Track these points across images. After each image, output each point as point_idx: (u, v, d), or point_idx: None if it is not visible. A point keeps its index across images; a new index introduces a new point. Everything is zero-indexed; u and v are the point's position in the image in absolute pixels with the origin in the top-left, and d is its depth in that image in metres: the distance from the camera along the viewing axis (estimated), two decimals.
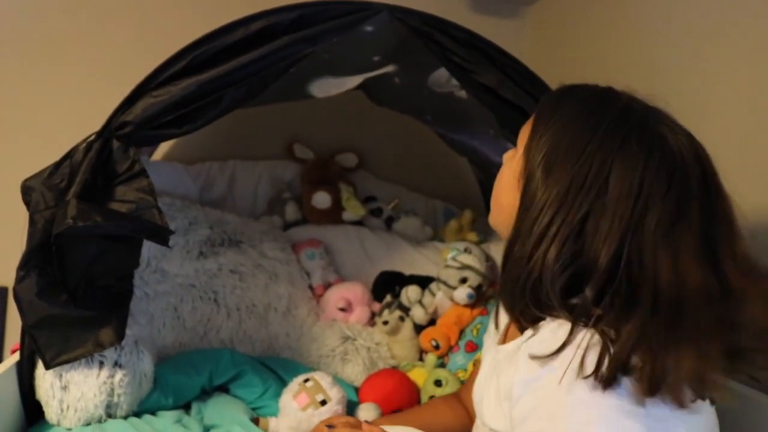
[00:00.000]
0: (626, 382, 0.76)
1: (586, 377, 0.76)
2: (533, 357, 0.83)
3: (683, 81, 1.47)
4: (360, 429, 1.02)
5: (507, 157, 1.03)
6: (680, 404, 0.76)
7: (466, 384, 1.38)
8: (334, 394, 1.39)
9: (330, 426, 1.03)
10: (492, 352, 1.08)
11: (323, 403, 1.37)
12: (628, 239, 0.83)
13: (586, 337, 0.80)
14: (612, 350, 0.77)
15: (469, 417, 1.31)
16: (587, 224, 0.84)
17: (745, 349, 0.81)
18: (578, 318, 0.82)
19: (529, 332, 0.90)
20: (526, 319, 0.90)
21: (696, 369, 0.76)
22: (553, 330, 0.85)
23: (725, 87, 1.36)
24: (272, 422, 1.41)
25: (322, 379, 1.42)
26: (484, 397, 1.02)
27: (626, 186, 0.84)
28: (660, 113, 0.93)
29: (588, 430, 0.75)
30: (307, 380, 1.41)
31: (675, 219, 0.83)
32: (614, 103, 0.92)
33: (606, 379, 0.76)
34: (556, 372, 0.79)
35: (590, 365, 0.77)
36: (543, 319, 0.88)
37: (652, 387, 0.75)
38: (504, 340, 1.09)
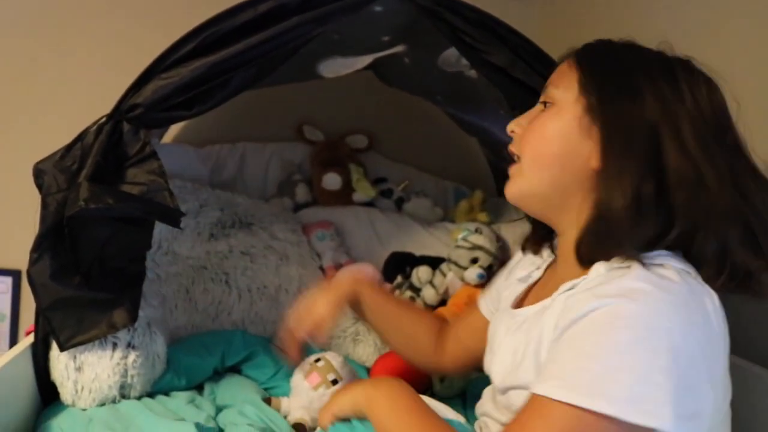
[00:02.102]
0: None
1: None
2: (593, 292, 0.82)
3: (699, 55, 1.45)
4: None
5: (535, 111, 1.01)
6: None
7: (463, 316, 1.36)
8: (345, 373, 1.40)
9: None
10: (505, 317, 1.06)
11: (335, 382, 1.38)
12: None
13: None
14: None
15: (447, 354, 1.31)
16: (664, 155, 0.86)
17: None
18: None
19: (566, 285, 0.90)
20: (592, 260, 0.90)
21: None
22: (609, 268, 0.86)
23: (743, 57, 1.35)
24: (284, 402, 1.42)
25: (333, 358, 1.42)
26: (496, 356, 1.02)
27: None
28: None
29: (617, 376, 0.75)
30: (318, 360, 1.42)
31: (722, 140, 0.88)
32: (655, 52, 0.98)
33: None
34: (621, 299, 0.79)
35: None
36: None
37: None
38: (520, 304, 1.08)
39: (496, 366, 1.02)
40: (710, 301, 0.82)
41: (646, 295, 0.78)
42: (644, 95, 0.88)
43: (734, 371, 0.89)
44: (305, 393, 1.37)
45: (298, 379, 1.41)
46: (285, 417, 1.37)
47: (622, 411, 0.73)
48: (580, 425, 0.75)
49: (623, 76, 0.92)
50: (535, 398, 0.80)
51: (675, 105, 0.87)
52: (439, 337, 1.33)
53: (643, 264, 0.82)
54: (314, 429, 1.33)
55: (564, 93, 0.96)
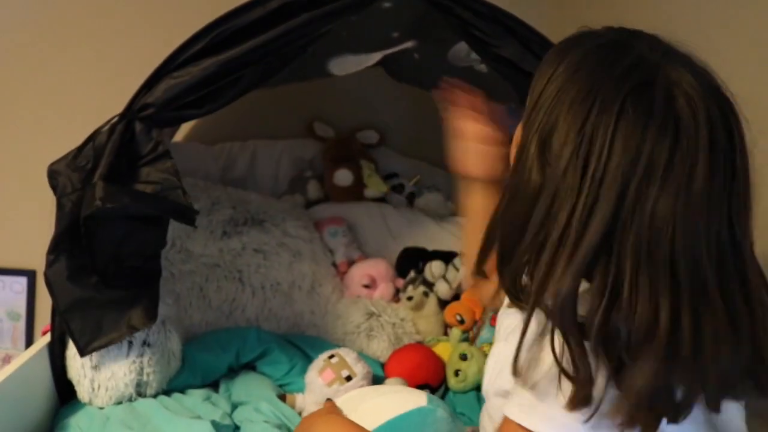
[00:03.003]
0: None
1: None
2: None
3: (708, 51, 1.44)
4: None
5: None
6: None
7: None
8: (359, 369, 1.40)
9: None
10: (502, 317, 1.00)
11: (348, 378, 1.38)
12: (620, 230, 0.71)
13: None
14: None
15: None
16: (592, 213, 0.71)
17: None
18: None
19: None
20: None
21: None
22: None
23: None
24: (299, 398, 1.42)
25: (347, 355, 1.42)
26: (489, 363, 0.96)
27: (625, 165, 0.70)
28: (679, 63, 0.78)
29: None
30: (332, 356, 1.42)
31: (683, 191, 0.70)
32: (619, 60, 0.77)
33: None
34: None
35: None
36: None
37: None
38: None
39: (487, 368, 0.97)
40: None
41: None
42: (566, 166, 0.73)
43: None
44: (319, 390, 1.38)
45: (312, 375, 1.41)
46: (300, 413, 1.38)
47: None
48: None
49: (560, 125, 0.76)
50: (504, 420, 0.80)
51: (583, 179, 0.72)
52: None
53: None
54: None
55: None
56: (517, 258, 0.78)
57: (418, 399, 1.13)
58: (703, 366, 0.70)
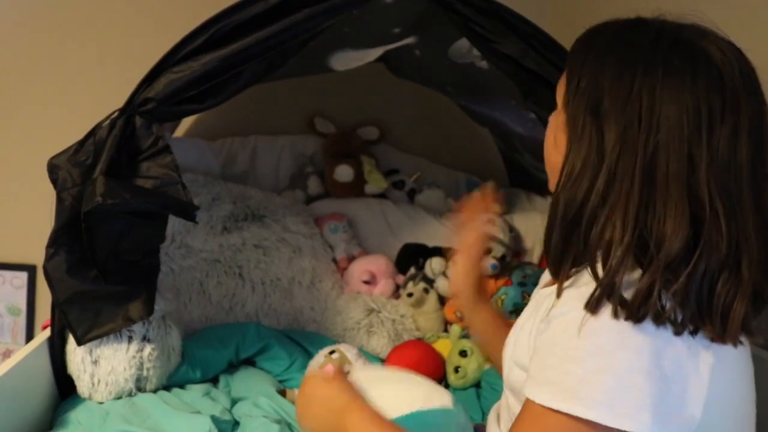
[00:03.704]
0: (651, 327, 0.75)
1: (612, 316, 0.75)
2: (568, 293, 0.82)
3: None
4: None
5: (550, 118, 0.96)
6: (729, 341, 0.77)
7: None
8: (360, 365, 1.40)
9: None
10: (535, 296, 1.05)
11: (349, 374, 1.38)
12: (691, 176, 0.77)
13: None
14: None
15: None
16: (653, 167, 0.78)
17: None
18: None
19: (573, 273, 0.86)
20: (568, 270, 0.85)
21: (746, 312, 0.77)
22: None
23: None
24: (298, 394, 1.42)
25: (348, 351, 1.42)
26: (519, 336, 0.97)
27: (679, 117, 0.77)
28: (696, 28, 0.85)
29: (597, 378, 0.74)
30: (332, 352, 1.42)
31: (734, 144, 0.78)
32: (646, 30, 0.85)
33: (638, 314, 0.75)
34: (579, 311, 0.77)
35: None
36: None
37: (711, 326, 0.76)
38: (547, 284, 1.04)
39: (518, 348, 0.97)
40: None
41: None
42: (608, 126, 0.81)
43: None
44: None
45: (312, 371, 1.41)
46: None
47: (600, 415, 0.73)
48: (562, 429, 0.76)
49: (608, 90, 0.82)
50: (526, 402, 0.81)
51: (639, 135, 0.79)
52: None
53: None
54: None
55: (558, 99, 0.92)
56: (584, 227, 0.81)
57: (443, 397, 1.10)
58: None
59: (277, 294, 1.72)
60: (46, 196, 1.27)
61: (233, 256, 1.72)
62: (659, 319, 0.74)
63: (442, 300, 1.80)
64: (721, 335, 0.76)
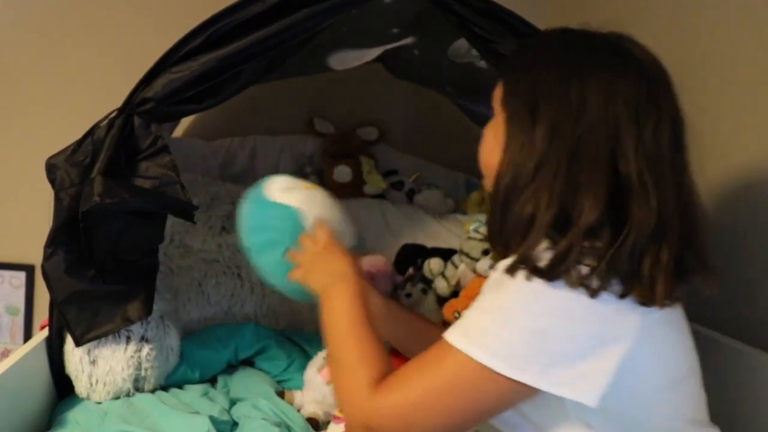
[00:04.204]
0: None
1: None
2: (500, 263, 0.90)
3: (713, 46, 1.44)
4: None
5: (486, 129, 1.03)
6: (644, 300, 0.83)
7: None
8: None
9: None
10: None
11: None
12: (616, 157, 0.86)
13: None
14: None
15: None
16: (580, 151, 0.86)
17: (691, 269, 0.89)
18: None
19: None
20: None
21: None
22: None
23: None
24: (297, 395, 1.42)
25: None
26: None
27: (605, 107, 0.87)
28: (618, 33, 0.95)
29: (500, 330, 0.83)
30: None
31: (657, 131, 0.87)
32: (574, 36, 0.96)
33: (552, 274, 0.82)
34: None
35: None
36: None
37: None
38: None
39: None
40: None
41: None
42: (541, 117, 0.90)
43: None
44: (318, 388, 1.38)
45: (311, 373, 1.41)
46: (298, 410, 1.38)
47: (496, 364, 0.81)
48: (462, 369, 0.83)
49: (541, 85, 0.92)
50: (440, 341, 0.88)
51: (568, 123, 0.88)
52: None
53: None
54: (327, 423, 1.34)
55: (496, 104, 1.00)
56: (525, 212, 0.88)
57: None
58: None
59: (276, 294, 1.71)
60: (45, 196, 1.27)
61: (232, 257, 1.71)
62: (572, 283, 0.81)
63: (440, 300, 1.79)
64: (649, 300, 0.83)
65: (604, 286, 0.81)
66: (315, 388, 1.39)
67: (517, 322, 0.83)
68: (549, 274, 0.82)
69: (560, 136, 0.87)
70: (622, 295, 0.82)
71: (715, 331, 1.32)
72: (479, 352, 0.82)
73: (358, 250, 1.41)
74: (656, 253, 0.84)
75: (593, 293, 0.81)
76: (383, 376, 0.90)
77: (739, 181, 1.35)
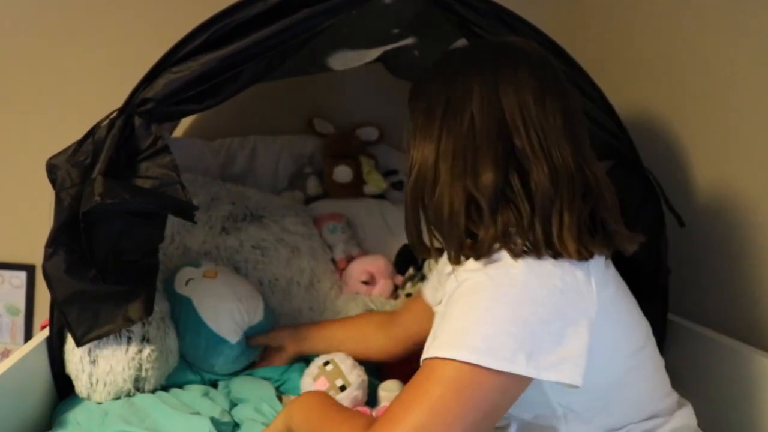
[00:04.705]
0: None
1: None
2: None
3: (711, 46, 1.44)
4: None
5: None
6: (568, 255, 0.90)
7: (408, 305, 1.44)
8: (354, 378, 1.39)
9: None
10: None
11: (343, 388, 1.37)
12: (508, 159, 0.94)
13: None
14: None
15: (397, 341, 1.40)
16: (472, 137, 0.95)
17: (603, 218, 0.96)
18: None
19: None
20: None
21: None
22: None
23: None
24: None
25: (342, 362, 1.41)
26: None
27: (488, 101, 0.95)
28: (518, 39, 1.07)
29: (478, 328, 0.87)
30: (327, 363, 1.41)
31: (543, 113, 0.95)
32: (471, 46, 1.10)
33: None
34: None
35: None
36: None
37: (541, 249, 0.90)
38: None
39: None
40: (582, 273, 0.91)
41: (508, 264, 0.90)
42: (434, 116, 0.99)
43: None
44: None
45: (307, 382, 1.41)
46: None
47: (485, 360, 0.84)
48: (457, 375, 0.85)
49: (424, 100, 1.02)
50: (423, 363, 0.91)
51: (456, 114, 0.97)
52: (387, 329, 1.42)
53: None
54: None
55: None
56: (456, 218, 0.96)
57: None
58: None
59: (276, 294, 1.72)
60: (45, 196, 1.27)
61: (231, 257, 1.71)
62: (516, 254, 0.90)
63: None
64: (567, 254, 0.90)
65: (538, 252, 0.90)
66: None
67: (492, 317, 0.86)
68: (489, 252, 0.92)
69: (452, 127, 0.96)
70: (554, 256, 0.90)
71: (715, 331, 1.32)
72: (466, 353, 0.85)
73: (266, 327, 1.54)
74: (559, 214, 0.91)
75: (538, 255, 0.89)
76: (369, 423, 0.92)
77: (739, 180, 1.35)
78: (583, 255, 0.91)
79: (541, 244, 0.90)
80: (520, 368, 0.84)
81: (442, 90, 0.99)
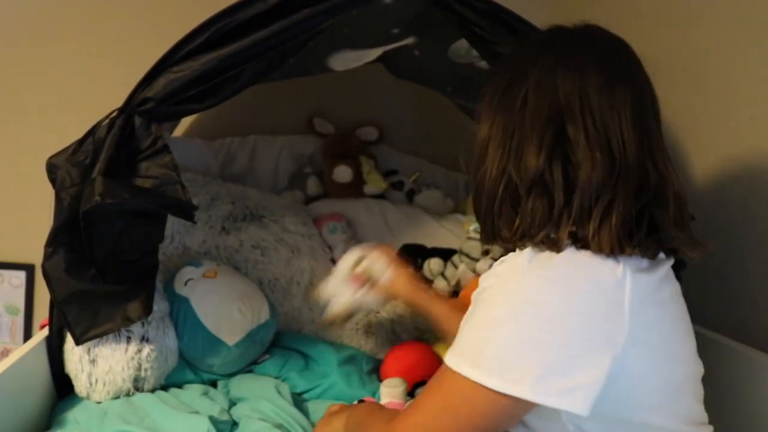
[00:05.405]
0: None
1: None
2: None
3: (712, 46, 1.44)
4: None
5: None
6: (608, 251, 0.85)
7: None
8: (388, 276, 1.45)
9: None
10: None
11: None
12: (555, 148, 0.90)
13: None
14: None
15: None
16: (515, 141, 0.93)
17: (656, 218, 0.89)
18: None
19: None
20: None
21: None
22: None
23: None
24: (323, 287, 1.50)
25: (377, 261, 1.47)
26: None
27: (544, 85, 0.92)
28: (590, 25, 1.02)
29: (491, 349, 0.84)
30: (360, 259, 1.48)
31: (609, 103, 0.90)
32: (538, 36, 1.05)
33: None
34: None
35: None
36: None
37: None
38: None
39: None
40: (611, 271, 0.84)
41: (524, 273, 0.86)
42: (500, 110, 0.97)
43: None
44: (347, 295, 1.45)
45: (343, 270, 1.48)
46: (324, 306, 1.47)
47: (489, 381, 0.82)
48: (459, 389, 0.85)
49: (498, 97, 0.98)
50: (443, 365, 0.90)
51: (512, 97, 0.94)
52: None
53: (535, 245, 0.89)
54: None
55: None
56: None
57: None
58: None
59: (276, 294, 1.72)
60: (45, 196, 1.27)
61: (231, 256, 1.71)
62: (538, 244, 0.87)
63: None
64: (598, 250, 0.85)
65: (564, 241, 0.86)
66: (344, 294, 1.46)
67: (508, 335, 0.83)
68: (517, 240, 0.90)
69: (506, 109, 0.94)
70: (583, 246, 0.86)
71: (715, 331, 1.32)
72: (470, 370, 0.84)
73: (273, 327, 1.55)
74: (603, 208, 0.86)
75: (558, 249, 0.86)
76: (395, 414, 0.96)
77: (739, 180, 1.35)
78: (616, 252, 0.85)
79: (564, 240, 0.86)
80: (526, 393, 0.80)
81: (506, 72, 0.98)
